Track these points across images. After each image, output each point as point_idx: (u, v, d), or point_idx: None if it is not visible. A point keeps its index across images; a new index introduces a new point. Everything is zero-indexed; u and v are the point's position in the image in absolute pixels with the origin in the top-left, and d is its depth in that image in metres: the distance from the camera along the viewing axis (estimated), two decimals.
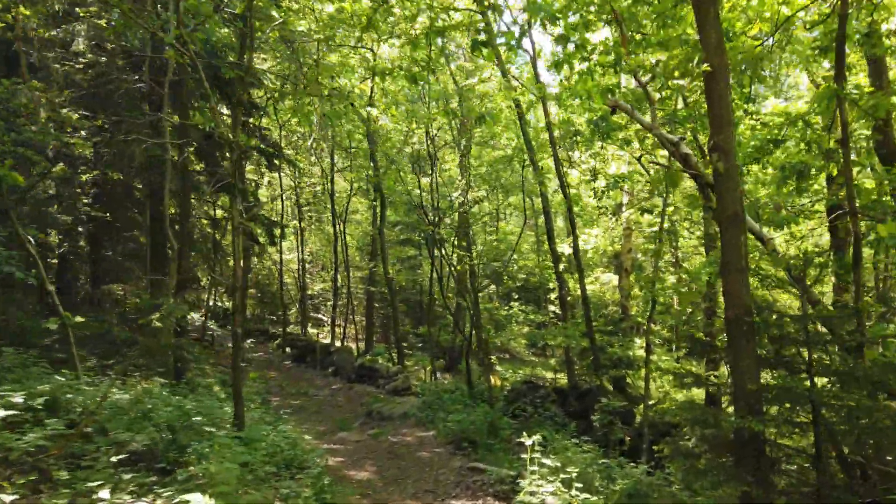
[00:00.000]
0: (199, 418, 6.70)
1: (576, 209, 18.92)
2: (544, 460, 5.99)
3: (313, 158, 23.06)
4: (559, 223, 22.24)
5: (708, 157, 5.17)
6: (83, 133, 13.28)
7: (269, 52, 16.65)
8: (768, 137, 6.42)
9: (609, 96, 5.57)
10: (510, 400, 11.15)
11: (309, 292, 30.12)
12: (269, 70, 14.80)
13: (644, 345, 9.44)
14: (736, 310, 4.43)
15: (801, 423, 4.14)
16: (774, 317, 4.38)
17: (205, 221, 19.04)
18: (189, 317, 25.11)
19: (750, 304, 4.45)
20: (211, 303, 18.90)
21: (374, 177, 12.70)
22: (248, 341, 12.37)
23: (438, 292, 14.82)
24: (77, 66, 11.98)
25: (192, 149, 11.60)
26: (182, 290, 10.50)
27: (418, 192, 12.33)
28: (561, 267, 13.16)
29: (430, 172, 13.18)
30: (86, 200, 13.23)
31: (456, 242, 15.82)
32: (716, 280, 5.92)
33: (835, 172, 6.61)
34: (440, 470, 7.80)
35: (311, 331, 26.33)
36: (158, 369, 10.93)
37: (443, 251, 12.25)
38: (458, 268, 13.99)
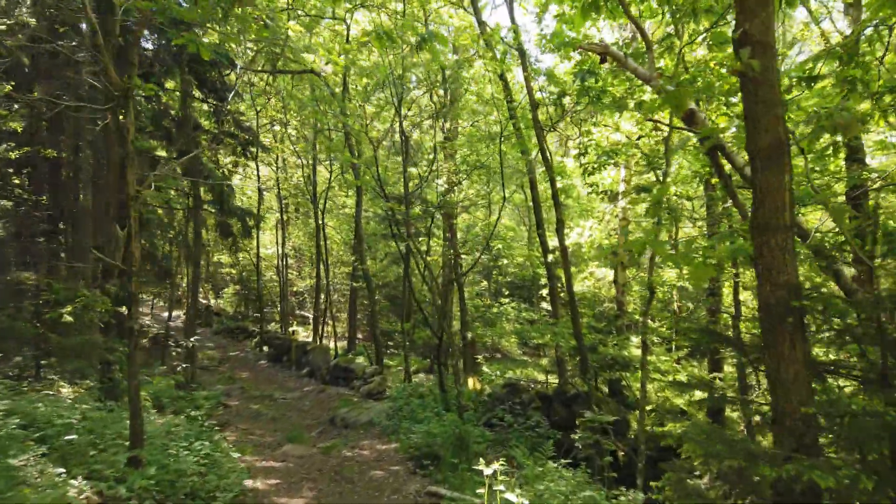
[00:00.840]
0: (74, 436, 5.32)
1: (570, 200, 17.55)
2: (509, 496, 4.60)
3: (293, 148, 21.72)
4: (553, 218, 20.92)
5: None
6: (16, 106, 11.96)
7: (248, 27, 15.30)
8: (800, 74, 5.05)
9: (593, 14, 4.19)
10: (488, 407, 9.76)
11: (294, 289, 28.71)
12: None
13: (641, 343, 8.05)
14: (777, 290, 2.90)
15: (886, 469, 2.69)
16: (839, 302, 2.92)
17: (181, 212, 17.68)
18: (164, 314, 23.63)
19: (798, 282, 3.00)
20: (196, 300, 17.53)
21: (344, 144, 11.29)
22: (194, 338, 10.96)
23: (417, 285, 13.42)
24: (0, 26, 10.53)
25: (121, 113, 10.16)
26: (107, 279, 9.09)
27: (378, 168, 10.89)
28: (551, 258, 11.77)
29: (404, 151, 11.78)
30: (17, 181, 11.82)
31: (434, 231, 14.42)
32: (735, 252, 4.50)
33: (881, 123, 5.27)
34: (392, 496, 6.40)
35: (296, 328, 24.99)
36: (86, 372, 9.58)
37: (412, 239, 10.83)
38: (435, 258, 12.60)
